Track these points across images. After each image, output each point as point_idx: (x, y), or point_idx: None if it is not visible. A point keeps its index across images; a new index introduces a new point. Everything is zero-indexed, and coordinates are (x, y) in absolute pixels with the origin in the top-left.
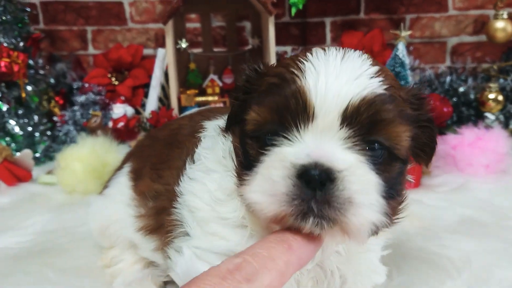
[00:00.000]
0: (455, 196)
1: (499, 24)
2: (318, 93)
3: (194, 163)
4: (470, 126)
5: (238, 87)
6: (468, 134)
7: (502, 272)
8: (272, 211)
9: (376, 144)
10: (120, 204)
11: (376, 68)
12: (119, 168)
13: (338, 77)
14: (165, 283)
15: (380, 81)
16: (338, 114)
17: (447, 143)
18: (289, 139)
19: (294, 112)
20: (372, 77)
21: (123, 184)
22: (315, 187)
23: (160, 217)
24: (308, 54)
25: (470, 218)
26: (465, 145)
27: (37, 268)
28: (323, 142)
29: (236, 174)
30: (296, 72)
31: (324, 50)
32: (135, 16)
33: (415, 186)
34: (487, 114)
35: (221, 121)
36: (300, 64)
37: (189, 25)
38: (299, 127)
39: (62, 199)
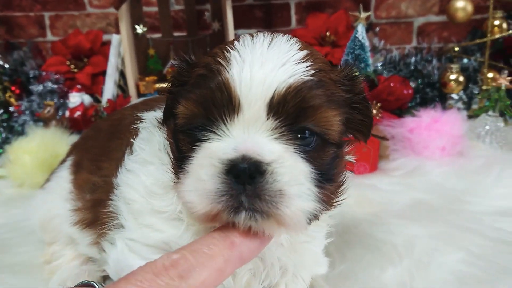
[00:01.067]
0: (409, 179)
1: (459, 4)
2: (242, 84)
3: (132, 154)
4: (428, 109)
5: (170, 80)
6: (425, 117)
7: (443, 257)
8: (202, 209)
9: (306, 132)
10: (60, 198)
11: (304, 52)
12: (63, 161)
13: (263, 65)
14: (104, 278)
15: (307, 66)
16: (263, 104)
17: (404, 126)
18: (216, 133)
19: (220, 104)
20: (299, 63)
21: (63, 178)
22: (244, 181)
23: (96, 210)
24: (236, 42)
25: (420, 202)
26: (422, 128)
27: None
28: (250, 134)
29: (172, 170)
30: (222, 62)
31: (252, 36)
32: (93, 0)
33: (371, 170)
34: (451, 95)
35: (159, 112)
36: (226, 53)
37: (149, 9)
38: (225, 120)
39: (12, 193)
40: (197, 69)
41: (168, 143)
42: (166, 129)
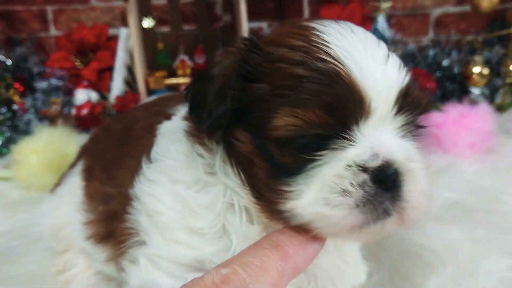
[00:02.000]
0: (439, 178)
1: None
2: (371, 85)
3: (151, 162)
4: (454, 103)
5: (229, 71)
6: (452, 112)
7: (490, 264)
8: (348, 224)
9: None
10: (72, 205)
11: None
12: (73, 164)
13: (377, 61)
14: None
15: (397, 57)
16: (392, 103)
17: (430, 122)
18: (348, 139)
19: (351, 109)
20: (390, 53)
21: (75, 184)
22: (389, 186)
23: (111, 223)
24: (317, 33)
25: (455, 203)
26: (449, 123)
27: None
28: (384, 136)
29: (255, 187)
30: (329, 59)
31: (325, 25)
32: None
33: None
34: (472, 89)
35: (183, 117)
36: (324, 48)
37: (157, 2)
38: (355, 124)
39: (18, 196)
40: (285, 66)
41: (240, 158)
42: (231, 140)
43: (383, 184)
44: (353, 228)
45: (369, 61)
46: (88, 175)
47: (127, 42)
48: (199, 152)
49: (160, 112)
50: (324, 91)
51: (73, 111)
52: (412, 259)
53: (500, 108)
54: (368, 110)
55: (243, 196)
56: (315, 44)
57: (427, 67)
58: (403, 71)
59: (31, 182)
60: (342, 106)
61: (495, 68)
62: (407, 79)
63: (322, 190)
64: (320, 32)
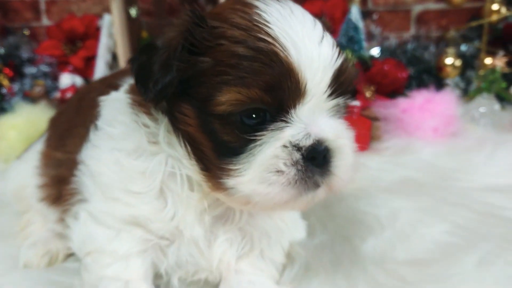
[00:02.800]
0: (399, 158)
1: None
2: (307, 68)
3: (98, 130)
4: (422, 90)
5: (174, 42)
6: (418, 98)
7: (426, 229)
8: (283, 198)
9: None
10: (33, 170)
11: (317, 20)
12: (43, 134)
13: (311, 42)
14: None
15: (330, 36)
16: (326, 84)
17: (397, 107)
18: (285, 121)
19: (288, 90)
20: (326, 34)
21: (38, 150)
22: (320, 162)
23: (60, 186)
24: (259, 12)
25: (409, 179)
26: (415, 108)
27: None
28: (317, 116)
29: (201, 162)
30: (269, 39)
31: (267, 4)
32: None
33: (362, 149)
34: (447, 81)
35: (127, 90)
36: (264, 27)
37: None
38: (293, 105)
39: None
40: (227, 44)
41: (185, 134)
42: (175, 114)
43: (315, 160)
44: (287, 201)
45: (306, 42)
46: (48, 143)
47: (110, 28)
48: (144, 122)
49: (111, 84)
50: (263, 71)
51: (58, 95)
52: (355, 224)
53: (472, 99)
54: (304, 91)
55: (187, 166)
56: (256, 23)
57: (406, 60)
58: (337, 51)
59: (9, 155)
60: (280, 87)
61: (470, 61)
62: (340, 59)
63: (260, 169)
64: (262, 11)
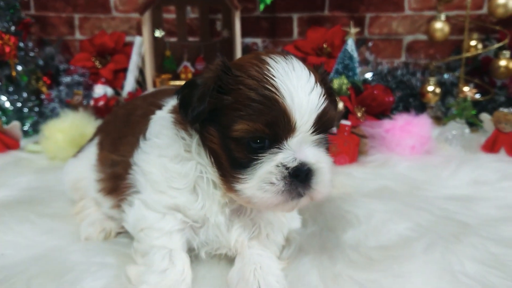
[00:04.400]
0: (380, 170)
1: (438, 25)
2: (297, 112)
3: (146, 140)
4: (403, 113)
5: (209, 83)
6: (399, 119)
7: (394, 225)
8: (274, 202)
9: (327, 135)
10: (89, 166)
11: (311, 74)
12: (91, 139)
13: (303, 92)
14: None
15: (320, 87)
16: (310, 124)
17: (382, 127)
18: (279, 148)
19: (282, 127)
20: (316, 86)
21: (92, 152)
22: (302, 178)
23: (116, 181)
24: (269, 67)
25: (386, 187)
26: (396, 128)
27: (22, 213)
28: (303, 146)
29: (220, 170)
30: (272, 89)
31: (276, 61)
32: (119, 5)
33: (351, 162)
34: (430, 105)
35: (170, 110)
36: (271, 80)
37: (167, 15)
38: (285, 137)
39: (45, 164)
40: (244, 89)
41: (210, 148)
42: (205, 134)
43: (298, 177)
44: (277, 204)
45: (298, 92)
46: (100, 147)
47: (140, 48)
48: (182, 136)
49: (153, 103)
50: (265, 112)
51: (92, 102)
52: (339, 219)
53: (447, 123)
54: (294, 128)
55: (210, 172)
56: (265, 76)
57: (395, 85)
58: (322, 99)
59: (56, 154)
60: (276, 124)
61: (450, 89)
62: (324, 105)
63: (258, 180)
64: (271, 67)
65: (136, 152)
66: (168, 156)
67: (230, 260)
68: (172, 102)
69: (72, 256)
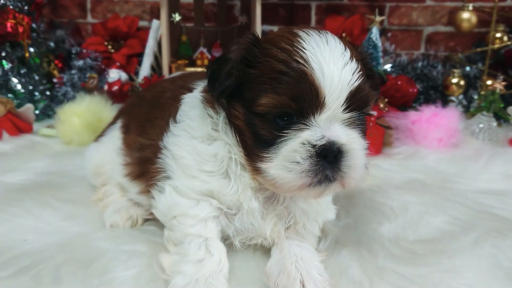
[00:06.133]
0: (407, 162)
1: (465, 15)
2: (327, 86)
3: (176, 123)
4: (430, 105)
5: (236, 57)
6: (426, 111)
7: (431, 218)
8: (298, 184)
9: (362, 115)
10: (113, 150)
11: (348, 50)
12: (112, 123)
13: (335, 66)
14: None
15: (355, 63)
16: (342, 101)
17: (407, 119)
18: (306, 124)
19: (309, 101)
20: (351, 61)
21: (115, 136)
22: (331, 160)
23: (144, 165)
24: (300, 40)
25: (416, 180)
26: (423, 120)
27: (41, 197)
28: (332, 124)
29: (245, 150)
30: (301, 62)
31: (309, 34)
32: None
33: (376, 153)
34: (452, 98)
35: (201, 90)
36: (300, 52)
37: (184, 0)
38: (313, 113)
39: (61, 148)
40: (272, 62)
41: (235, 125)
42: (231, 110)
43: (327, 158)
44: (301, 187)
45: (330, 66)
46: (126, 130)
47: (157, 32)
48: (209, 113)
49: (183, 86)
50: (292, 84)
51: (105, 87)
52: (373, 211)
53: (473, 115)
54: (323, 103)
55: (236, 152)
56: (295, 48)
57: (415, 77)
58: (357, 75)
59: (72, 138)
60: (303, 98)
61: (473, 82)
62: (358, 82)
63: (283, 159)
64: (302, 39)
65: (166, 135)
66: (198, 137)
67: (265, 250)
68: (203, 84)
69: (98, 243)
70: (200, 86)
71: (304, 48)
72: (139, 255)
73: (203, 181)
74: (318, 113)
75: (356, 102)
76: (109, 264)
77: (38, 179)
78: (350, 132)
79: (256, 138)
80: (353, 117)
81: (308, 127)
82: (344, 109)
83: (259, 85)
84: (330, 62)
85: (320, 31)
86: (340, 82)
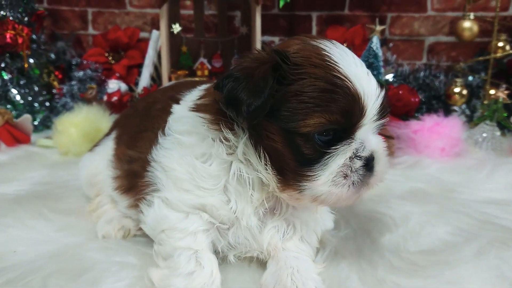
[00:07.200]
0: (409, 172)
1: (466, 24)
2: (366, 98)
3: (165, 135)
4: (432, 114)
5: (266, 73)
6: (428, 120)
7: (432, 229)
8: (347, 196)
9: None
10: (106, 161)
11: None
12: (108, 134)
13: (367, 79)
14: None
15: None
16: (376, 111)
17: (409, 128)
18: (351, 138)
19: (356, 115)
20: (369, 73)
21: (109, 147)
22: (371, 167)
23: (132, 179)
24: (326, 53)
25: (418, 189)
26: (425, 130)
27: (35, 208)
28: (369, 135)
29: (279, 170)
30: (342, 77)
31: (329, 47)
32: (134, 0)
33: None
34: (455, 107)
35: (192, 107)
36: (337, 68)
37: (184, 12)
38: (357, 127)
39: (58, 159)
40: (309, 78)
41: (271, 148)
42: (264, 133)
43: (367, 166)
44: (350, 198)
45: (364, 79)
46: (118, 141)
47: (157, 42)
48: (225, 136)
49: (172, 97)
50: (341, 100)
51: (105, 98)
52: (374, 221)
53: (476, 125)
54: (364, 115)
55: (258, 172)
56: (327, 63)
57: (417, 87)
58: (378, 85)
59: (69, 149)
60: (352, 113)
61: (476, 91)
62: (382, 92)
63: (332, 174)
64: (329, 53)
65: (155, 148)
66: (197, 154)
67: (261, 263)
68: (190, 96)
69: (90, 254)
70: (187, 98)
71: (337, 63)
72: (130, 267)
73: (196, 195)
74: (360, 126)
75: (382, 111)
76: (100, 275)
77: (34, 190)
78: (378, 139)
79: (298, 157)
80: (380, 124)
81: (353, 140)
82: (376, 119)
83: (299, 104)
84: (362, 75)
85: (332, 42)
86: (375, 94)
